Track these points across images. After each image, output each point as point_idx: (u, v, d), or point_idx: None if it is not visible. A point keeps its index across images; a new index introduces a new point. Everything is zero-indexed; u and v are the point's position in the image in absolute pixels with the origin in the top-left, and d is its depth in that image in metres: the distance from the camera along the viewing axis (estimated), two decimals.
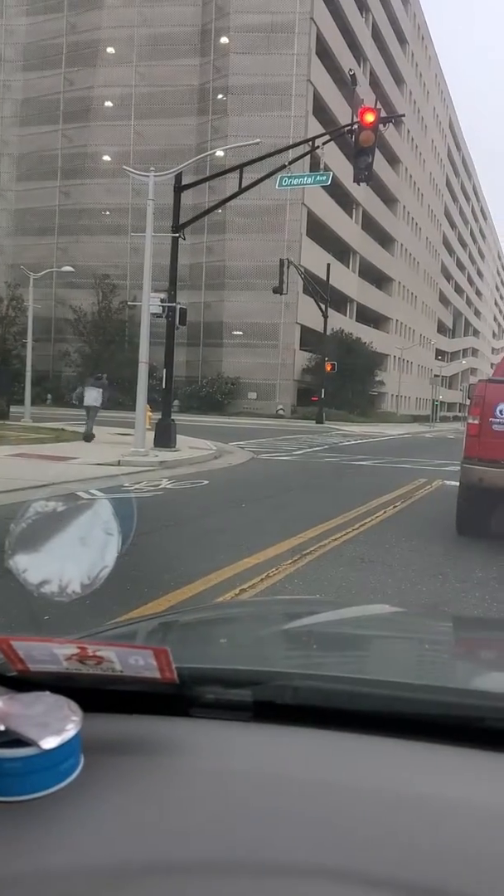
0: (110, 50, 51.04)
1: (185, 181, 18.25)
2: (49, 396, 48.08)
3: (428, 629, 1.85)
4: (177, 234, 17.59)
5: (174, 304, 17.47)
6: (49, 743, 0.71)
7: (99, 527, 0.91)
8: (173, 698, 0.92)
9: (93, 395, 18.41)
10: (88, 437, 18.07)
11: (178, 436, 17.62)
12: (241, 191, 17.83)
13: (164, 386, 18.33)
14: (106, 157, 49.89)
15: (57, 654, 0.82)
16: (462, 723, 0.91)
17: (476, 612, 5.19)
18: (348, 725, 0.91)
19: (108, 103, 51.16)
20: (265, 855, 0.67)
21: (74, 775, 0.74)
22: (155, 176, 16.54)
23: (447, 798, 0.78)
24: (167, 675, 0.81)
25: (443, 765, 0.85)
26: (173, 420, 17.73)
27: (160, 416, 17.68)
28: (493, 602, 5.50)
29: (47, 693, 0.81)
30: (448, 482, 12.67)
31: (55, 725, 0.73)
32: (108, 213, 51.20)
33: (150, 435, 16.58)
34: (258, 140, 18.28)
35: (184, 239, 17.97)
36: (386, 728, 0.90)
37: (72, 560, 0.91)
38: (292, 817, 0.73)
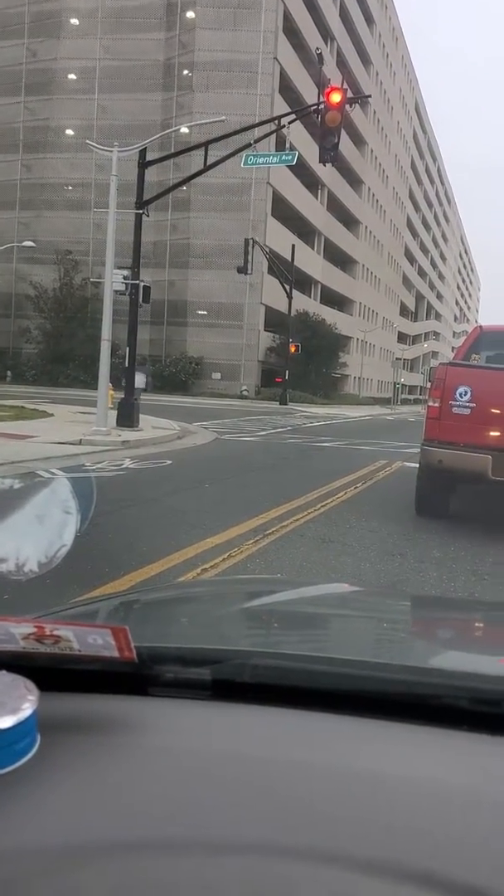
0: (74, 21, 50.01)
1: (149, 157, 18.01)
2: (9, 373, 47.45)
3: (386, 608, 1.86)
4: (140, 211, 17.38)
5: (137, 282, 17.30)
6: (4, 722, 0.70)
7: (57, 505, 0.90)
8: (132, 677, 0.92)
9: (139, 380, 19.23)
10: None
11: (141, 415, 17.52)
12: (206, 168, 17.66)
13: (126, 365, 18.18)
14: (69, 131, 49.02)
15: (14, 632, 0.81)
16: (419, 700, 0.92)
17: (434, 591, 5.27)
18: (307, 703, 0.91)
19: (72, 76, 50.18)
20: (223, 833, 0.67)
21: (30, 755, 0.73)
22: (119, 151, 16.31)
23: (403, 775, 0.79)
24: (126, 654, 0.81)
25: (399, 742, 0.86)
26: (136, 399, 17.61)
27: (122, 396, 17.55)
28: (451, 581, 5.59)
29: (3, 672, 0.80)
30: (408, 464, 12.79)
31: (11, 704, 0.73)
32: (70, 188, 50.37)
33: (113, 414, 16.46)
34: (224, 117, 18.10)
35: (147, 216, 17.76)
36: (344, 706, 0.91)
37: (29, 538, 0.89)
38: (250, 795, 0.73)
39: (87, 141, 20.13)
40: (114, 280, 16.58)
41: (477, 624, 1.76)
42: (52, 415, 19.63)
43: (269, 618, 1.53)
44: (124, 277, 17.20)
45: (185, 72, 48.18)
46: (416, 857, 0.64)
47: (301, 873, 0.62)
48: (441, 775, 0.79)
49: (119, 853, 0.64)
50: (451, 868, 0.62)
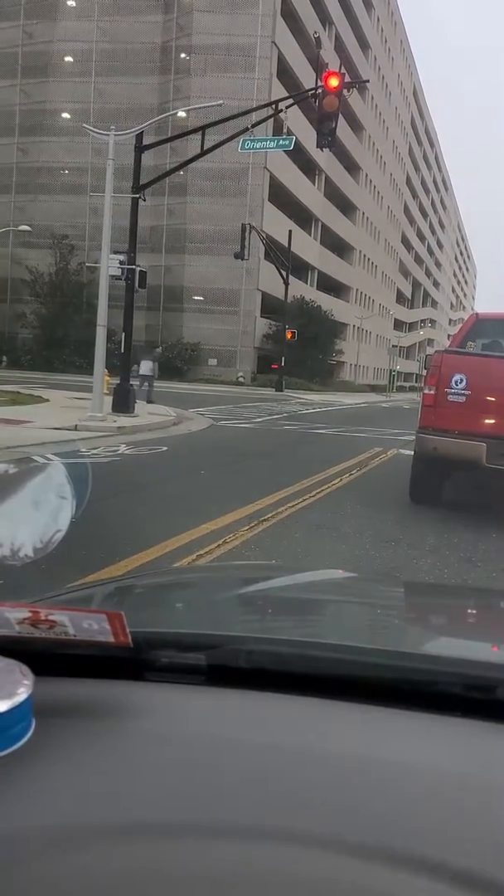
0: (70, 3, 49.55)
1: (146, 141, 17.88)
2: (4, 358, 47.29)
3: (380, 595, 1.87)
4: (137, 195, 17.27)
5: (134, 267, 17.22)
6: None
7: (52, 490, 0.90)
8: (127, 662, 0.92)
9: (147, 366, 21.96)
10: (149, 401, 20.80)
11: (136, 401, 17.49)
12: (203, 153, 17.55)
13: (122, 350, 18.13)
14: (65, 115, 48.67)
15: (9, 617, 0.81)
16: (414, 687, 0.92)
17: (428, 578, 5.29)
18: (302, 689, 0.92)
19: (69, 59, 49.74)
20: (218, 817, 0.67)
21: (25, 739, 0.73)
22: (115, 135, 16.19)
23: (397, 760, 0.79)
24: (121, 639, 0.81)
25: (394, 728, 0.87)
26: (132, 385, 17.57)
27: (118, 381, 17.52)
28: (445, 568, 5.61)
29: None
30: (403, 451, 12.81)
31: (6, 689, 0.73)
32: (66, 171, 50.07)
33: (108, 400, 16.43)
34: (221, 101, 17.97)
35: (144, 200, 17.66)
36: (338, 692, 0.91)
37: (24, 524, 0.89)
38: (245, 780, 0.74)
39: (84, 124, 19.98)
40: (110, 265, 16.50)
41: (470, 611, 1.77)
42: (47, 400, 19.59)
43: (265, 603, 1.53)
44: (120, 262, 17.12)
45: (183, 55, 47.81)
46: (409, 842, 0.64)
47: (296, 858, 0.62)
48: (435, 761, 0.80)
49: (114, 837, 0.64)
50: (444, 853, 0.63)
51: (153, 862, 0.61)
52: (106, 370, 16.36)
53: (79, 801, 0.69)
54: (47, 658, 0.87)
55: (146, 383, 21.54)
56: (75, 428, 13.77)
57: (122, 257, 17.22)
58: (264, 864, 0.61)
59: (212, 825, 0.66)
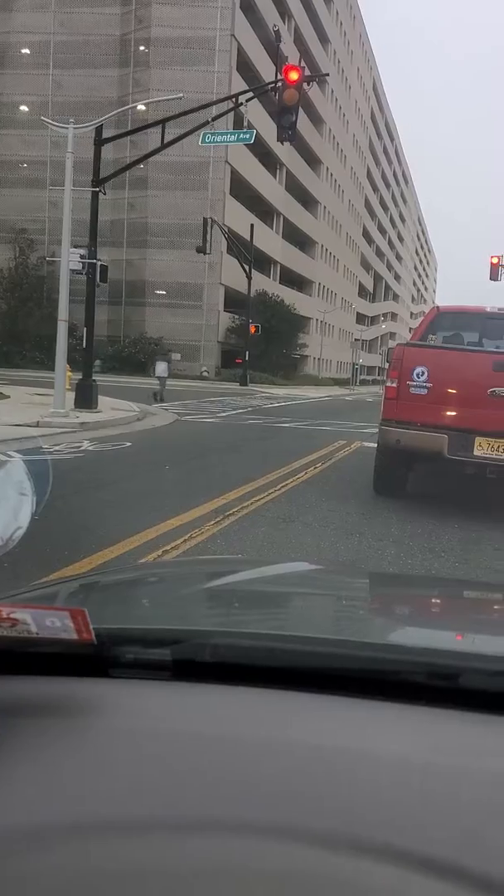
0: None
1: (105, 134, 17.70)
2: None
3: (346, 586, 1.88)
4: (97, 189, 17.12)
5: (94, 261, 17.06)
6: None
7: (12, 487, 0.89)
8: (92, 659, 0.91)
9: (161, 367, 23.59)
10: (160, 398, 22.42)
11: (99, 397, 17.35)
12: (164, 146, 17.44)
13: (84, 345, 17.97)
14: (23, 107, 47.90)
15: None
16: (378, 676, 0.93)
17: (392, 568, 5.34)
18: (268, 682, 0.92)
19: (25, 50, 48.97)
20: (184, 812, 0.67)
21: None
22: (74, 128, 16.03)
23: (363, 750, 0.80)
24: (84, 636, 0.80)
25: (360, 718, 0.87)
26: (94, 380, 17.44)
27: (80, 377, 17.37)
28: (408, 559, 5.67)
29: None
30: (367, 444, 12.89)
31: None
32: (25, 165, 49.34)
33: (71, 396, 16.28)
34: (181, 94, 17.86)
35: (104, 194, 17.49)
36: (304, 683, 0.92)
37: None
38: (211, 774, 0.74)
39: (42, 117, 19.75)
40: (70, 259, 16.34)
41: (434, 600, 1.79)
42: (7, 396, 19.34)
43: (230, 597, 1.53)
44: (81, 256, 16.96)
45: (142, 48, 47.39)
46: (374, 830, 0.65)
47: (263, 850, 0.62)
48: (400, 750, 0.81)
49: (81, 835, 0.64)
50: (408, 840, 0.63)
51: (122, 859, 0.61)
52: (68, 365, 16.21)
53: (45, 799, 0.69)
54: (10, 656, 0.86)
55: (161, 383, 23.30)
56: (37, 424, 13.62)
57: (82, 251, 17.07)
58: (234, 856, 0.62)
59: (180, 820, 0.66)
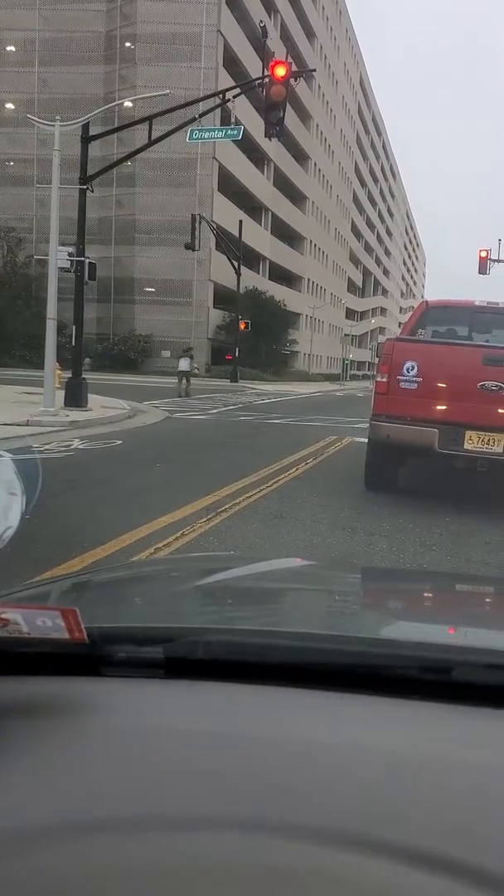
0: None
1: (92, 132, 17.65)
2: None
3: (338, 581, 1.88)
4: (84, 187, 17.06)
5: (83, 259, 17.01)
6: None
7: (1, 487, 0.89)
8: (85, 658, 0.91)
9: (184, 364, 25.34)
10: (182, 394, 24.45)
11: (89, 395, 17.31)
12: (151, 143, 17.38)
13: (73, 343, 17.93)
14: (9, 105, 47.68)
15: None
16: (371, 671, 0.93)
17: (384, 563, 5.35)
18: (261, 678, 0.92)
19: (10, 48, 48.75)
20: (178, 809, 0.67)
21: None
22: (61, 125, 15.96)
23: (355, 745, 0.80)
24: (76, 636, 0.80)
25: (353, 713, 0.87)
26: (84, 379, 17.39)
27: (70, 375, 17.33)
28: (400, 553, 5.68)
29: None
30: (357, 439, 12.91)
31: None
32: (11, 163, 49.14)
33: (61, 394, 16.24)
34: (168, 91, 17.81)
35: (91, 191, 17.44)
36: (297, 679, 0.92)
37: None
38: (204, 771, 0.74)
39: (28, 115, 19.66)
40: (58, 257, 16.29)
41: (426, 594, 1.79)
42: None
43: (223, 594, 1.53)
44: (69, 254, 16.91)
45: (128, 44, 47.22)
46: (366, 825, 0.65)
47: (257, 846, 0.62)
48: (392, 744, 0.81)
49: (74, 834, 0.64)
50: (401, 834, 0.64)
51: (116, 857, 0.61)
52: (58, 364, 16.16)
53: (38, 800, 0.69)
54: (2, 657, 0.86)
55: (185, 379, 24.94)
56: (27, 423, 13.58)
57: (70, 249, 17.02)
58: (227, 853, 0.62)
59: (174, 817, 0.66)
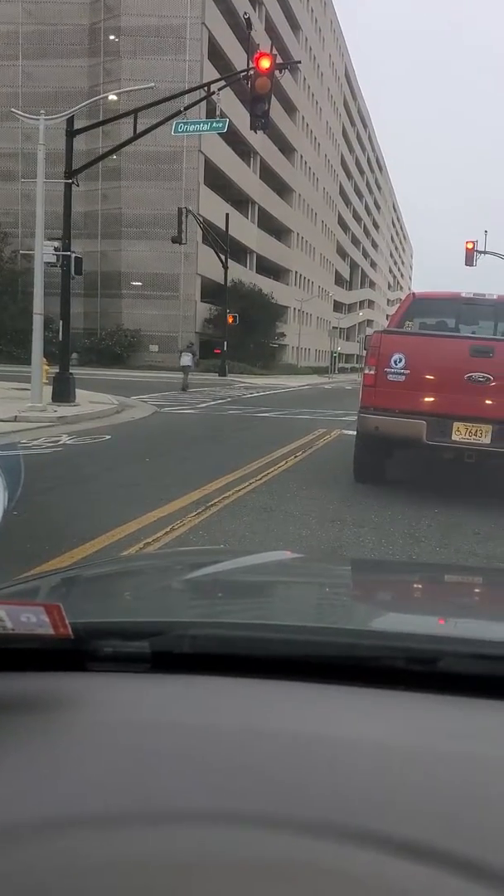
0: None
1: (77, 125, 17.56)
2: None
3: (327, 574, 1.89)
4: (70, 181, 16.98)
5: (69, 253, 16.94)
6: None
7: None
8: (70, 654, 0.91)
9: (186, 359, 26.26)
10: (185, 387, 25.31)
11: (77, 390, 17.27)
12: (136, 136, 17.31)
13: (60, 338, 17.86)
14: None
15: None
16: (358, 663, 0.93)
17: (373, 555, 5.36)
18: (248, 671, 0.92)
19: None
20: (166, 803, 0.67)
21: None
22: (45, 119, 15.87)
23: (343, 737, 0.80)
24: (61, 631, 0.80)
25: (340, 705, 0.88)
26: (72, 374, 17.33)
27: (58, 370, 17.27)
28: (389, 545, 5.70)
29: None
30: (346, 431, 12.93)
31: None
32: None
33: (48, 390, 16.18)
34: (153, 84, 17.73)
35: (77, 185, 17.36)
36: (284, 672, 0.92)
37: None
38: (192, 764, 0.74)
39: (13, 109, 19.49)
40: (44, 252, 16.22)
41: (415, 585, 1.80)
42: None
43: (212, 588, 1.53)
44: (55, 249, 16.84)
45: (112, 37, 46.92)
46: (356, 817, 0.65)
47: (245, 839, 0.62)
48: (380, 736, 0.81)
49: (60, 830, 0.63)
50: (390, 825, 0.64)
51: (104, 852, 0.61)
52: (45, 359, 16.10)
53: (24, 795, 0.68)
54: None
55: (185, 372, 25.78)
56: (15, 419, 13.52)
57: (56, 244, 16.95)
58: (216, 847, 0.61)
59: (162, 811, 0.66)
